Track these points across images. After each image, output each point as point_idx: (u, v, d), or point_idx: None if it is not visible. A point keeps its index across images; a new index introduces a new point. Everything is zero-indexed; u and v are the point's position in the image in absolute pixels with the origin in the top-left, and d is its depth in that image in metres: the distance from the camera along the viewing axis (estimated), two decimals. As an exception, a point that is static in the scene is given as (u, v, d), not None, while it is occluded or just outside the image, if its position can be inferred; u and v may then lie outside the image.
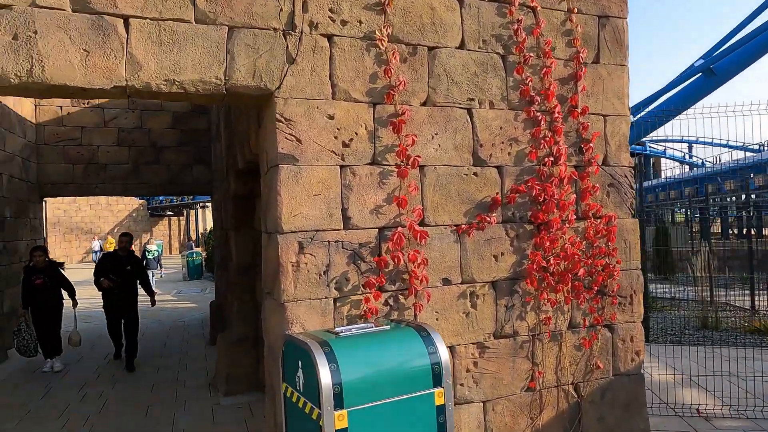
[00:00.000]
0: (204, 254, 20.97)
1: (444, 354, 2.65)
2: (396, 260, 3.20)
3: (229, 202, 5.56)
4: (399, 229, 3.24)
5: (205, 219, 39.33)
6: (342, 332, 2.69)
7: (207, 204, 37.88)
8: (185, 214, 38.43)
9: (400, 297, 3.29)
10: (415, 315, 3.28)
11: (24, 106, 9.19)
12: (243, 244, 5.16)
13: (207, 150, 10.86)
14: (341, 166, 3.17)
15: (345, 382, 2.37)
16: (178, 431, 4.76)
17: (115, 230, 32.54)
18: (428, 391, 2.59)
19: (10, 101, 8.53)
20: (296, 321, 2.97)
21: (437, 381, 2.61)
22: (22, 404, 5.66)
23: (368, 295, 3.16)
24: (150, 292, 7.92)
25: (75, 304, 7.51)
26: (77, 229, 31.16)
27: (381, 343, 2.67)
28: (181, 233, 38.68)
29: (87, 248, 28.93)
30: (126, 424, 4.95)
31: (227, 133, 6.05)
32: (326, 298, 3.07)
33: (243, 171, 5.09)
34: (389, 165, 3.29)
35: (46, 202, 10.55)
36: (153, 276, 16.25)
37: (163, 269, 18.21)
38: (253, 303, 5.18)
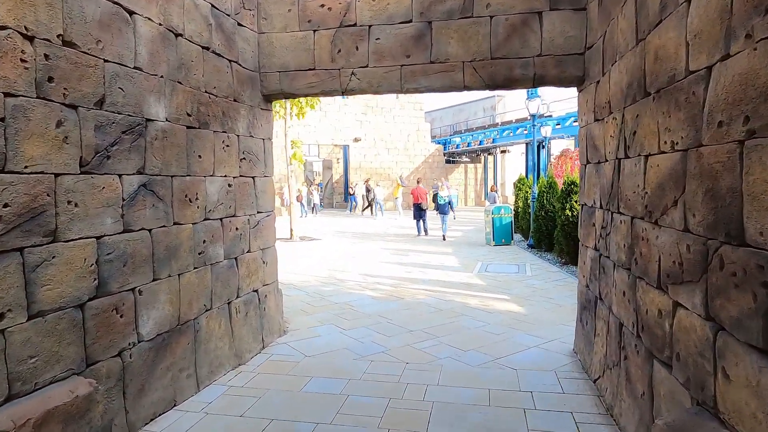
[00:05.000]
0: (512, 210, 15.30)
1: None
2: None
3: None
4: None
5: (504, 167, 34.26)
6: None
7: (508, 148, 32.55)
8: (483, 160, 33.97)
9: None
10: None
11: None
12: None
13: (576, -24, 4.61)
14: None
15: None
16: None
17: (411, 176, 30.11)
18: None
19: None
20: None
21: None
22: None
23: None
24: None
25: None
26: (376, 175, 29.75)
27: None
28: (478, 182, 34.46)
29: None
30: None
31: None
32: None
33: None
34: None
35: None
36: (444, 220, 15.61)
37: (455, 212, 17.74)
38: None
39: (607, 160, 3.98)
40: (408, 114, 31.34)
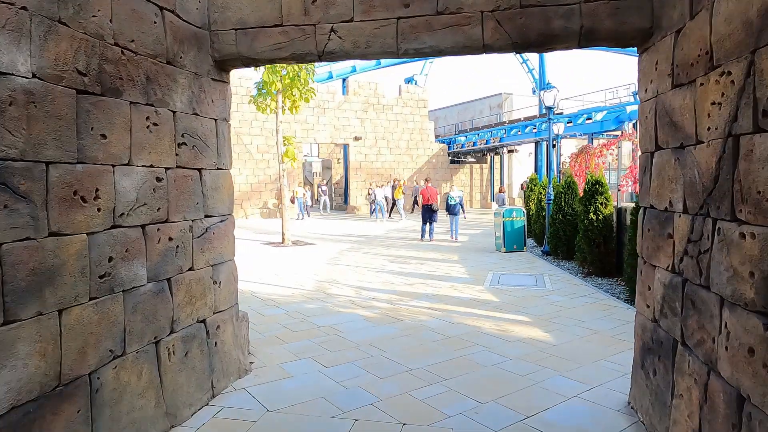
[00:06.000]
0: (524, 213, 13.95)
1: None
2: None
3: None
4: None
5: (511, 167, 32.89)
6: None
7: (516, 148, 31.19)
8: (489, 161, 32.65)
9: None
10: None
11: None
12: None
13: None
14: None
15: None
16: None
17: (414, 177, 28.83)
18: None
19: None
20: None
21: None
22: None
23: None
24: None
25: None
26: (377, 175, 28.42)
27: None
28: (484, 183, 33.12)
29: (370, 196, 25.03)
30: None
31: None
32: None
33: None
34: None
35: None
36: (456, 221, 14.87)
37: (465, 213, 16.81)
38: None
39: (701, 142, 2.66)
40: (411, 112, 30.02)
